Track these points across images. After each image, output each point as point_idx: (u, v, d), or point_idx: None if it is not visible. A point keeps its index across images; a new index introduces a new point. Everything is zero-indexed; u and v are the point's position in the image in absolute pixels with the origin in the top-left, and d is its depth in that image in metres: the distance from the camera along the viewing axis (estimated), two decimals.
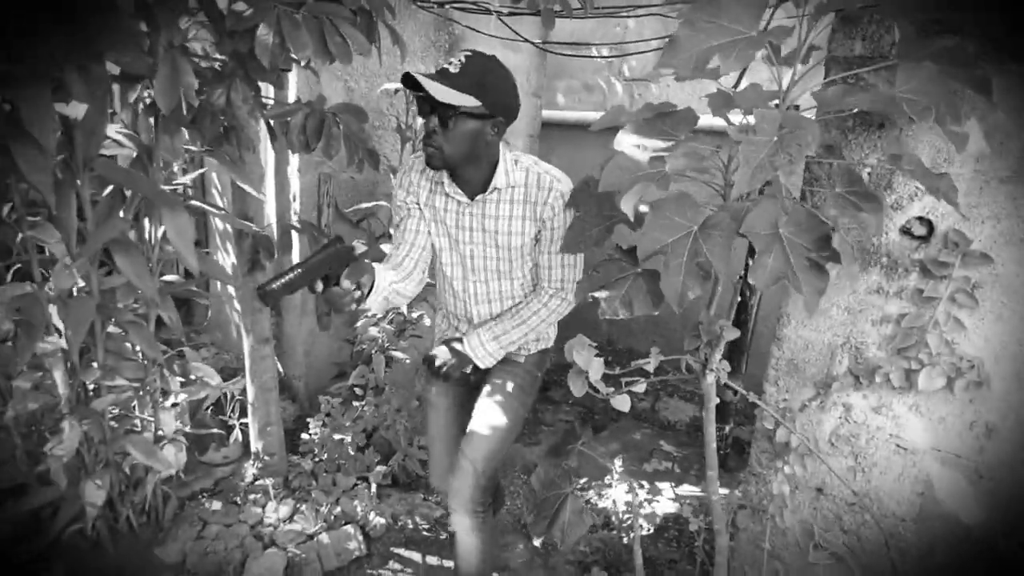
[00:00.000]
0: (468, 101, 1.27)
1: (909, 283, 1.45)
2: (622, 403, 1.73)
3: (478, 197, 1.43)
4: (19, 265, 1.62)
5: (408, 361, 2.59)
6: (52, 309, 1.55)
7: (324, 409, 2.25)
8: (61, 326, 1.54)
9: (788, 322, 1.65)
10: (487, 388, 1.60)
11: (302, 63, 1.34)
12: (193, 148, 1.53)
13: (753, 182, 1.00)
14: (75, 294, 1.59)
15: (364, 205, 2.53)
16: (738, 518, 1.76)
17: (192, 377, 1.80)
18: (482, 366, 1.54)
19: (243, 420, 2.25)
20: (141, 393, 1.75)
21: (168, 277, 1.75)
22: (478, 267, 1.52)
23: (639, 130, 1.18)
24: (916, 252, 1.42)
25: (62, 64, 1.16)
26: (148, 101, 1.47)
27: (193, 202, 1.58)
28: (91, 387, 1.70)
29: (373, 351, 2.48)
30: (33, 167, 1.32)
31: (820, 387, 1.60)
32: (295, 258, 2.61)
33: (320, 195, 2.63)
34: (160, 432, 1.79)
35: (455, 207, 1.47)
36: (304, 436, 2.23)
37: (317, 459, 2.20)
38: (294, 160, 2.71)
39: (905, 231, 1.45)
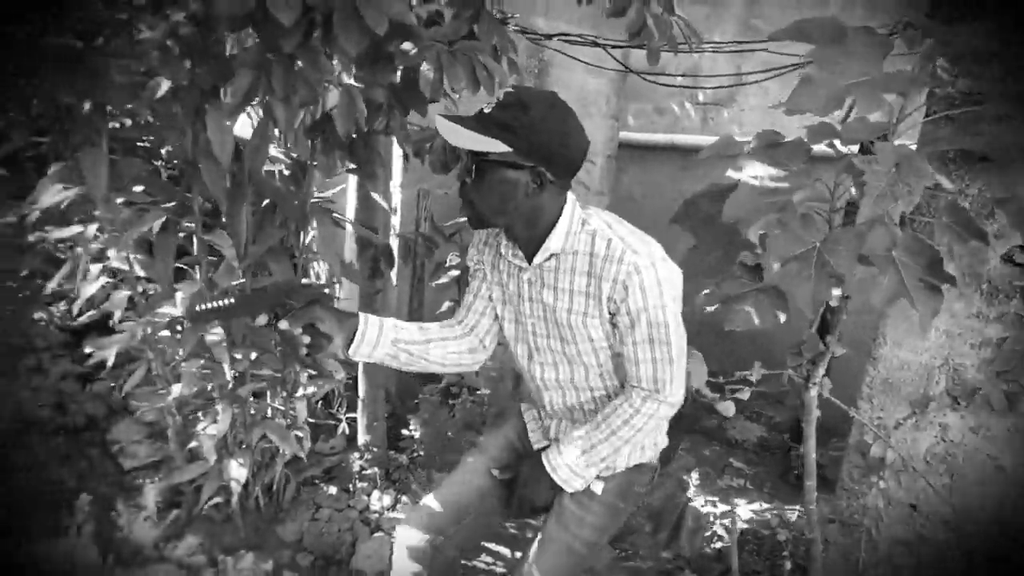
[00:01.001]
0: (492, 146, 1.07)
1: (1010, 309, 1.51)
2: (727, 408, 1.83)
3: (536, 262, 1.20)
4: (184, 266, 1.85)
5: (496, 368, 2.75)
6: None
7: (423, 408, 2.42)
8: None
9: (884, 342, 1.72)
10: (555, 516, 1.29)
11: (455, 93, 1.52)
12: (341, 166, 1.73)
13: (876, 209, 1.12)
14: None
15: (460, 219, 2.71)
16: (828, 531, 1.82)
17: (317, 372, 2.00)
18: (568, 490, 1.26)
19: (349, 415, 2.44)
20: (277, 384, 1.96)
21: (304, 280, 1.95)
22: (542, 346, 1.27)
23: (755, 160, 1.29)
24: (1018, 279, 1.48)
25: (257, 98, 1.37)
26: (308, 125, 1.68)
27: (335, 214, 1.78)
28: (235, 375, 1.91)
29: None
30: (214, 180, 1.54)
31: (916, 406, 1.66)
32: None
33: (419, 209, 2.83)
34: (288, 421, 1.99)
35: (516, 272, 1.25)
36: (404, 432, 2.40)
37: (415, 454, 2.36)
38: (396, 176, 2.92)
39: (1007, 259, 1.52)
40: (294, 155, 1.80)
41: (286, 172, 1.84)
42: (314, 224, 1.75)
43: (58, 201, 1.62)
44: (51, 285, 1.82)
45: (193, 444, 1.94)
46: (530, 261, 1.21)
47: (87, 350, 2.50)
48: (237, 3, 1.02)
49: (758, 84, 2.98)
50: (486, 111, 1.10)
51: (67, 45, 1.24)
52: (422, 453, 2.37)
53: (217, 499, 1.97)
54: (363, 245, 2.09)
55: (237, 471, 1.85)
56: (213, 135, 1.43)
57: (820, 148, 1.23)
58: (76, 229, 1.71)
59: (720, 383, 1.86)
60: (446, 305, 2.79)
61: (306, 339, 1.12)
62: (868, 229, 1.18)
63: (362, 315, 1.22)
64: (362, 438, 2.36)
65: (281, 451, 2.01)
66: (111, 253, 1.70)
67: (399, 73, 1.53)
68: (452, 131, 1.09)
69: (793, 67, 2.44)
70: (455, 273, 2.71)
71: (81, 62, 1.25)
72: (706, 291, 1.41)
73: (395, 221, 2.92)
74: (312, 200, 1.83)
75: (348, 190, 2.65)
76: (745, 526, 2.49)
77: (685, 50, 1.85)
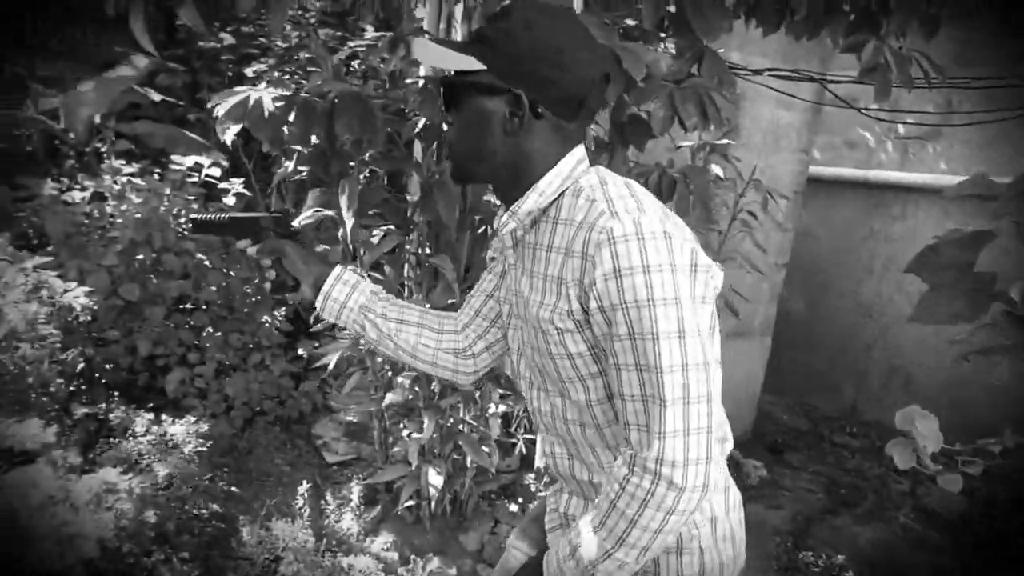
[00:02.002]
0: (463, 64, 0.83)
1: None
2: (952, 483, 1.63)
3: (507, 228, 0.90)
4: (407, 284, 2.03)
5: None
6: None
7: None
8: None
9: None
10: None
11: (687, 128, 1.54)
12: None
13: None
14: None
15: None
16: None
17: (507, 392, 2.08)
18: None
19: (527, 435, 2.51)
20: (471, 399, 2.07)
21: None
22: (527, 363, 0.95)
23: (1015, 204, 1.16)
24: None
25: None
26: None
27: None
28: (436, 389, 2.05)
29: None
30: (447, 209, 1.68)
31: None
32: None
33: None
34: (479, 435, 2.09)
35: (511, 251, 0.95)
36: None
37: None
38: None
39: None
40: None
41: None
42: None
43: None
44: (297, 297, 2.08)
45: (395, 448, 2.11)
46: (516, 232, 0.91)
47: (300, 351, 2.81)
48: None
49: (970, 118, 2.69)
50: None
51: (356, 94, 1.44)
52: None
53: (411, 502, 2.12)
54: None
55: (435, 478, 1.98)
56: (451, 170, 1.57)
57: None
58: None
59: (951, 450, 1.67)
60: None
61: (272, 274, 1.07)
62: None
63: (339, 268, 1.06)
64: (539, 460, 2.42)
65: (469, 463, 2.11)
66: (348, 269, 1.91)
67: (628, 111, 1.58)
68: (423, 49, 0.88)
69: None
70: None
71: (361, 105, 1.44)
72: (958, 337, 1.28)
73: None
74: None
75: None
76: None
77: (923, 86, 1.72)
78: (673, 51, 1.68)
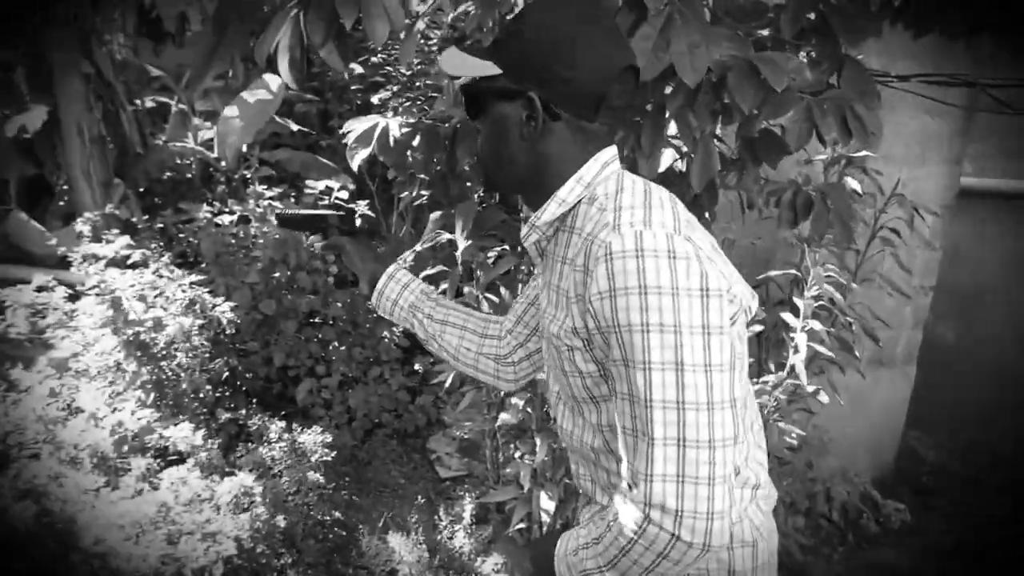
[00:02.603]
0: (480, 69, 0.81)
1: None
2: None
3: (531, 239, 0.87)
4: None
5: (797, 436, 2.49)
6: None
7: None
8: None
9: None
10: None
11: (827, 143, 1.43)
12: None
13: None
14: None
15: (773, 273, 2.55)
16: None
17: None
18: None
19: None
20: None
21: None
22: (554, 377, 0.91)
23: None
24: None
25: None
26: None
27: None
28: (549, 411, 2.03)
29: (763, 418, 2.46)
30: None
31: None
32: None
33: None
34: None
35: (539, 260, 0.92)
36: None
37: None
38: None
39: None
40: None
41: None
42: None
43: (431, 243, 1.91)
44: None
45: (507, 469, 2.10)
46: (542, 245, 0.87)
47: (416, 366, 2.90)
48: (648, 68, 1.09)
49: None
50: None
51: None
52: None
53: (522, 524, 2.10)
54: None
55: (547, 502, 1.95)
56: None
57: None
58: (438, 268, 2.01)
59: None
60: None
61: (334, 268, 1.16)
62: None
63: (394, 266, 1.09)
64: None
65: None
66: (465, 290, 1.95)
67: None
68: (449, 59, 0.84)
69: None
70: (758, 328, 2.55)
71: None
72: None
73: None
74: None
75: None
76: None
77: None
78: (804, 59, 1.57)
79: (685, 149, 1.68)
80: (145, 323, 2.23)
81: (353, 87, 3.99)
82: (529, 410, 1.99)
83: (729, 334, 0.71)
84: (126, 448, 2.19)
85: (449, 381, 2.13)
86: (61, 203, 3.99)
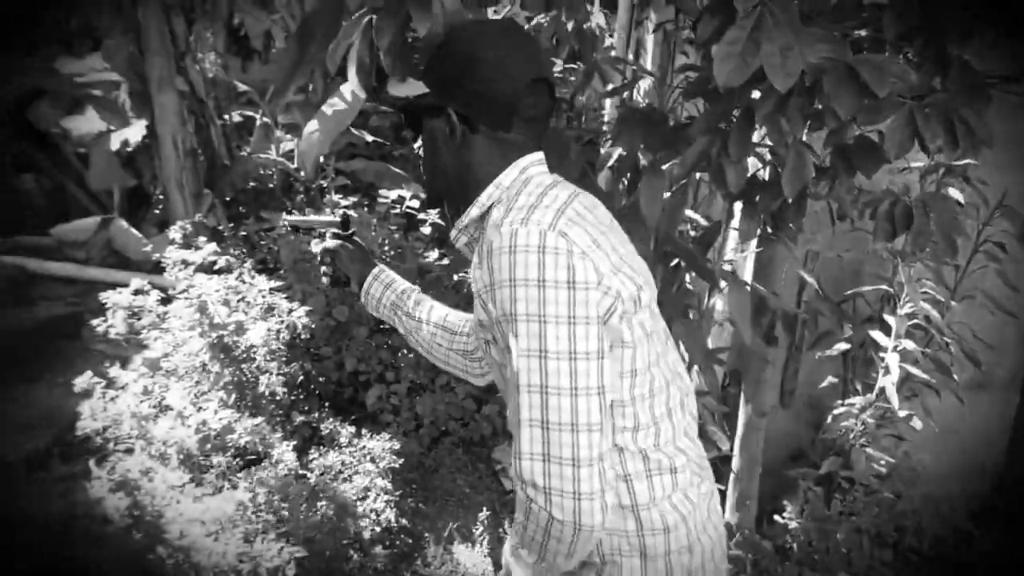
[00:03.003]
0: (415, 89, 0.91)
1: None
2: None
3: (459, 243, 0.98)
4: None
5: (886, 463, 2.33)
6: None
7: (802, 495, 2.17)
8: None
9: None
10: None
11: (931, 152, 1.33)
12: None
13: None
14: None
15: (863, 289, 2.40)
16: None
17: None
18: None
19: (719, 486, 2.33)
20: None
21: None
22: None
23: None
24: None
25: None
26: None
27: (748, 281, 1.73)
28: None
29: (847, 443, 2.31)
30: (640, 242, 1.62)
31: None
32: None
33: (805, 271, 2.60)
34: None
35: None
36: (776, 517, 2.18)
37: (788, 546, 2.12)
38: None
39: None
40: (707, 218, 1.82)
41: (692, 233, 1.86)
42: (723, 287, 1.72)
43: None
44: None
45: None
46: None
47: None
48: (736, 73, 1.04)
49: None
50: None
51: (551, 127, 1.47)
52: (794, 547, 2.12)
53: None
54: (760, 309, 1.98)
55: None
56: (646, 200, 1.51)
57: None
58: None
59: None
60: (828, 380, 2.49)
61: (330, 270, 1.20)
62: None
63: (379, 267, 1.19)
64: (729, 514, 2.22)
65: None
66: None
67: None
68: (399, 85, 0.98)
69: None
70: (844, 347, 2.40)
71: (555, 137, 1.46)
72: None
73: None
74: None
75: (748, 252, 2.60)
76: None
77: None
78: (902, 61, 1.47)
79: (768, 157, 1.60)
80: (228, 326, 2.33)
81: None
82: None
83: (598, 324, 0.76)
84: (208, 447, 2.29)
85: None
86: (156, 211, 4.26)
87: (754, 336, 1.78)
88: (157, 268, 2.80)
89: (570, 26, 2.18)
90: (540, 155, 0.91)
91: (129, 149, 3.96)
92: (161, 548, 1.88)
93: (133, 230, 3.98)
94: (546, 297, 0.74)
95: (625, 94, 1.98)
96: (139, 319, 2.55)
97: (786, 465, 2.64)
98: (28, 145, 4.60)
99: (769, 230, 1.65)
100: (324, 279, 1.49)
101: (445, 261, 3.17)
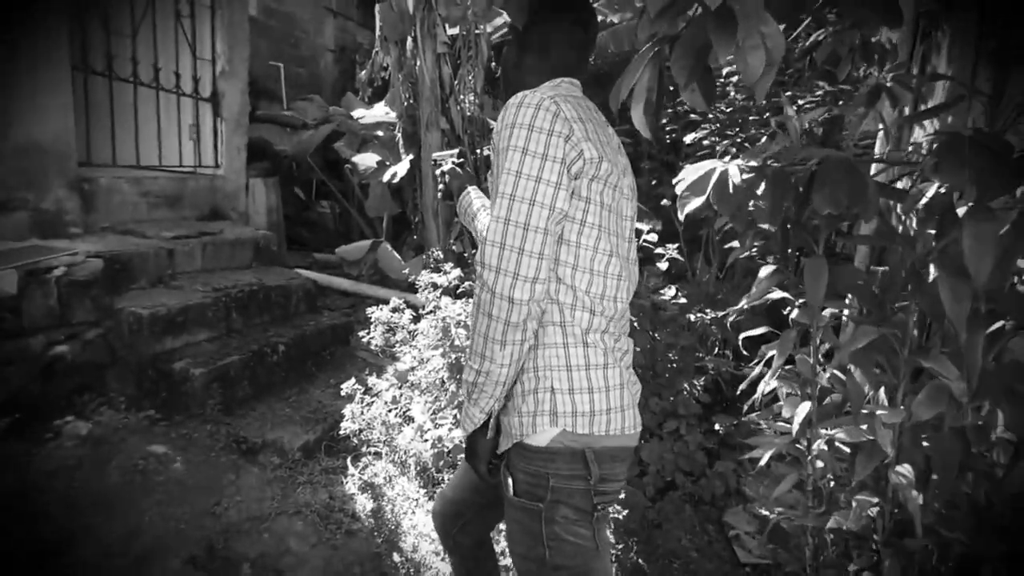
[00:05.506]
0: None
1: None
2: None
3: None
4: None
5: None
6: None
7: None
8: None
9: None
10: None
11: None
12: None
13: None
14: None
15: None
16: None
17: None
18: (461, 432, 1.21)
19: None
20: None
21: None
22: None
23: None
24: None
25: None
26: None
27: None
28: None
29: None
30: (955, 299, 1.28)
31: None
32: None
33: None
34: None
35: None
36: None
37: None
38: None
39: None
40: None
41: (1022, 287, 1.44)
42: None
43: (759, 301, 1.68)
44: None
45: (830, 571, 1.72)
46: None
47: (716, 426, 2.64)
48: None
49: None
50: None
51: (845, 159, 1.23)
52: None
53: None
54: None
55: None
56: (973, 249, 1.19)
57: None
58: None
59: None
60: None
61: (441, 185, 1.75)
62: None
63: (471, 187, 1.63)
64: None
65: None
66: (797, 357, 1.66)
67: None
68: None
69: None
70: None
71: (850, 172, 1.22)
72: None
73: None
74: None
75: None
76: None
77: None
78: None
79: None
80: (465, 348, 2.44)
81: (666, 127, 3.94)
82: (872, 513, 1.59)
83: (562, 165, 1.00)
84: (441, 463, 2.40)
85: (765, 460, 1.85)
86: (414, 236, 4.76)
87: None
88: (411, 287, 3.07)
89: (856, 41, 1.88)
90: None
91: (396, 181, 4.50)
92: (396, 556, 2.00)
93: (395, 253, 4.49)
94: (531, 137, 0.99)
95: (949, 117, 1.62)
96: (394, 334, 2.81)
97: None
98: (328, 175, 5.53)
99: None
100: (439, 194, 1.77)
101: (682, 300, 2.98)
